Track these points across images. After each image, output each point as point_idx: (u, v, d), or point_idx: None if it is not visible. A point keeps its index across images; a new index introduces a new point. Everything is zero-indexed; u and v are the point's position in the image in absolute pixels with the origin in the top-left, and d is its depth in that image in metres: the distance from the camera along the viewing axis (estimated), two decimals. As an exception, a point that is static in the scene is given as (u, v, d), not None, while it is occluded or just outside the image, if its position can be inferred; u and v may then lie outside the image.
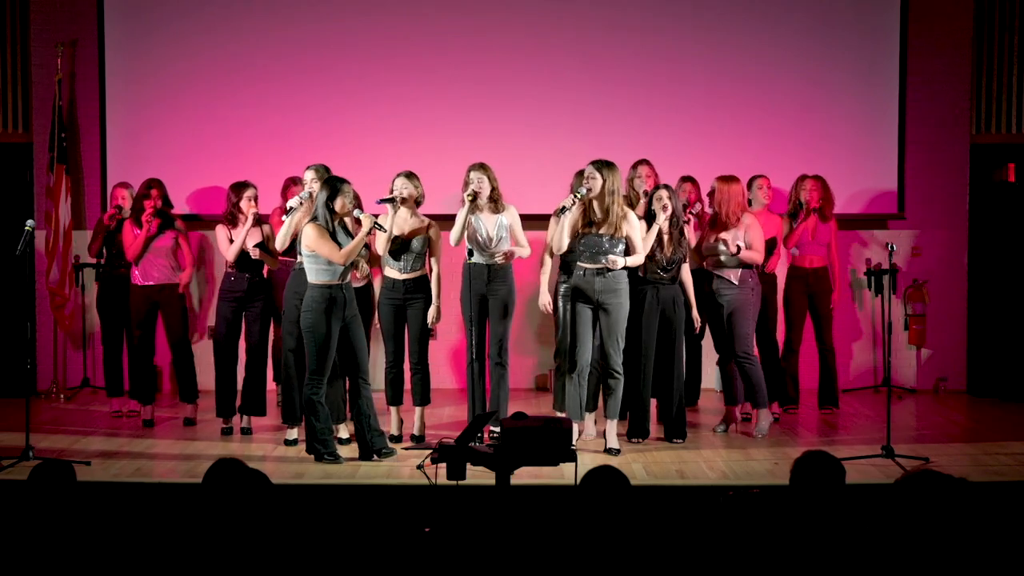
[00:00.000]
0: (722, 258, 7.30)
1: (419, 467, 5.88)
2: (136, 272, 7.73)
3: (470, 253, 7.09)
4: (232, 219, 7.46)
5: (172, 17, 9.12)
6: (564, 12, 9.08)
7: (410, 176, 7.13)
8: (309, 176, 7.03)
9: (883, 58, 9.09)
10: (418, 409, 7.26)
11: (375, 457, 6.65)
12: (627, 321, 6.91)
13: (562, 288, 7.25)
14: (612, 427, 6.94)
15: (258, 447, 7.15)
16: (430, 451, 5.44)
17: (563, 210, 6.85)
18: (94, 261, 8.51)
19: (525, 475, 5.69)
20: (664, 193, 7.14)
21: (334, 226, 6.56)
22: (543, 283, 7.22)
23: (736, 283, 7.31)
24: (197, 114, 9.12)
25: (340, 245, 6.52)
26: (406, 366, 7.27)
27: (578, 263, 6.91)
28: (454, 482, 5.23)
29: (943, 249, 9.27)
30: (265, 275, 7.57)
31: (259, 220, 7.47)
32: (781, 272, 8.14)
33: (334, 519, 5.72)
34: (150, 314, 7.78)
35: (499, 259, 7.12)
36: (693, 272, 7.35)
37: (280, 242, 6.98)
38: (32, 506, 4.03)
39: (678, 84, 9.09)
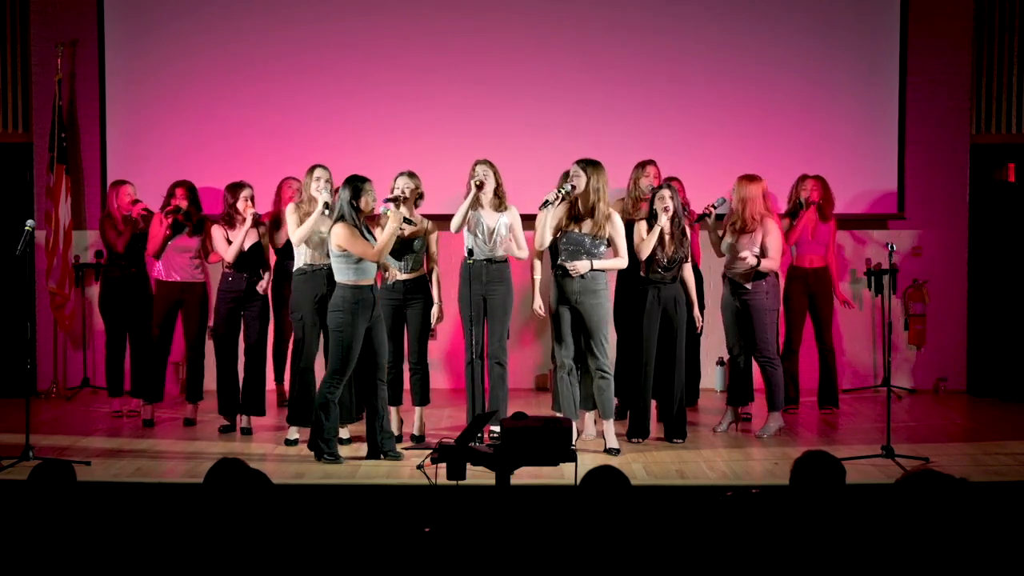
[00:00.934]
0: (739, 270, 7.31)
1: (419, 467, 5.89)
2: (159, 267, 7.72)
3: (469, 253, 7.09)
4: (229, 220, 7.45)
5: (172, 17, 9.12)
6: (564, 12, 9.08)
7: (411, 175, 7.14)
8: (324, 175, 7.00)
9: (883, 58, 9.08)
10: (417, 409, 7.26)
11: (381, 456, 6.66)
12: (627, 321, 6.89)
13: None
14: (610, 427, 6.95)
15: (258, 447, 7.15)
16: (430, 451, 5.45)
17: (546, 204, 6.87)
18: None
19: (525, 475, 5.69)
20: (666, 193, 7.15)
21: (361, 224, 6.57)
22: (535, 286, 7.21)
23: (751, 288, 7.32)
24: (197, 114, 9.12)
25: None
26: (405, 366, 7.27)
27: (558, 261, 6.92)
28: (454, 482, 5.23)
29: (943, 249, 9.27)
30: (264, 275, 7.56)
31: (257, 220, 7.46)
32: (781, 272, 8.13)
33: (334, 519, 5.71)
34: (171, 313, 7.77)
35: (499, 252, 7.12)
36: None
37: (300, 236, 6.90)
38: (32, 506, 4.03)
39: (678, 84, 9.09)
